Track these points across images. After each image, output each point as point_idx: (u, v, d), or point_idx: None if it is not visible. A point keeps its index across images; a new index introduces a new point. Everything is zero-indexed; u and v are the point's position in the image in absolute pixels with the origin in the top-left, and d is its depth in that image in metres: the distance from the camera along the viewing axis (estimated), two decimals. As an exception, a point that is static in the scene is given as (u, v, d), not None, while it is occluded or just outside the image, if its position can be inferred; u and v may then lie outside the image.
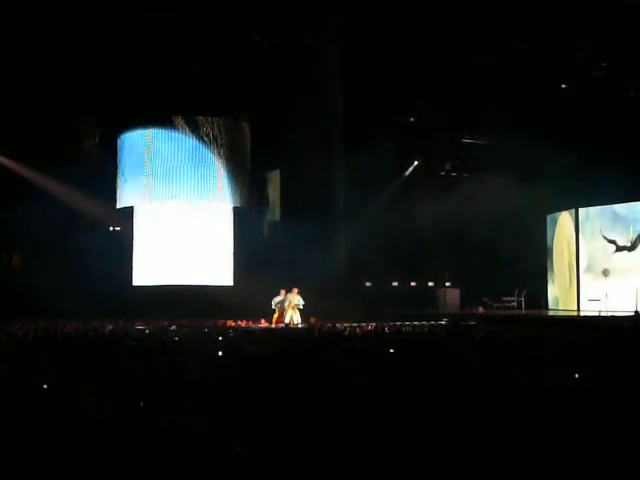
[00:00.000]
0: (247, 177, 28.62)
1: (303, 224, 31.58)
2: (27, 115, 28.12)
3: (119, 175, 28.22)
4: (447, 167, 35.99)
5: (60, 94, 27.66)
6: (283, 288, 26.74)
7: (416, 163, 35.27)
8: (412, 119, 33.30)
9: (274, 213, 35.28)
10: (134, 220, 28.45)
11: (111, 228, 29.94)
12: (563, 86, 30.37)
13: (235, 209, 28.71)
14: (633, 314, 27.04)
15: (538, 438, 6.25)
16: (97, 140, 30.18)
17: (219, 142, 27.78)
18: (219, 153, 27.82)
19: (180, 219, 27.75)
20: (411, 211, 33.09)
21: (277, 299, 26.53)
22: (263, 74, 29.01)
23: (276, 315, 26.31)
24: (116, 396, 7.52)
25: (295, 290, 26.68)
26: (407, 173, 35.16)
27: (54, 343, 14.49)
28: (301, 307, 26.35)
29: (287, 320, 26.03)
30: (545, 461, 5.72)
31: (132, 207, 28.48)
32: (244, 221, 28.97)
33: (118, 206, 28.70)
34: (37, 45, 25.77)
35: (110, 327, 20.85)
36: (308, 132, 31.03)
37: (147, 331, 19.83)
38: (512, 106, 29.52)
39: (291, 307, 26.29)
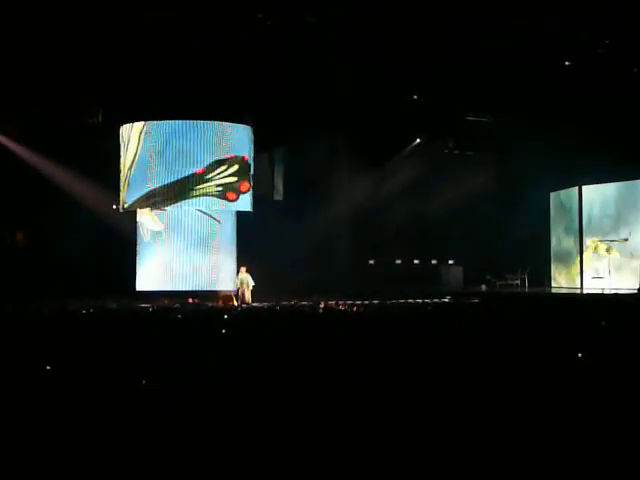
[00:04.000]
0: (249, 181, 28.26)
1: (306, 203, 31.58)
2: (27, 94, 28.07)
3: (122, 177, 27.92)
4: (450, 145, 35.89)
5: (62, 77, 27.63)
6: (243, 265, 26.70)
7: (418, 140, 35.17)
8: (415, 97, 33.16)
9: (277, 193, 35.20)
10: (137, 225, 28.17)
11: (114, 206, 29.87)
12: (567, 63, 30.23)
13: (238, 213, 28.41)
14: (636, 291, 27.08)
15: (540, 416, 6.27)
16: (100, 119, 30.07)
17: (221, 146, 27.41)
18: (221, 157, 27.43)
19: (183, 223, 27.41)
20: (415, 189, 33.06)
21: (241, 277, 26.40)
22: (265, 54, 28.89)
23: (241, 293, 26.09)
24: (119, 374, 7.56)
25: (243, 268, 26.61)
26: (408, 150, 35.02)
27: (58, 321, 14.53)
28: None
29: (247, 298, 25.86)
30: (547, 439, 5.75)
31: (135, 212, 28.18)
32: (247, 225, 28.63)
33: (121, 210, 28.45)
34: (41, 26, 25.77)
35: (114, 305, 20.92)
36: (311, 111, 30.95)
37: (150, 309, 19.88)
38: (516, 84, 29.41)
39: (246, 285, 26.20)
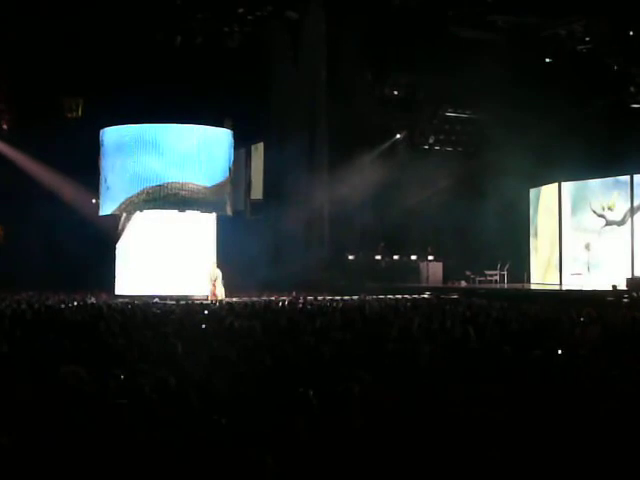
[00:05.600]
0: (230, 185, 28.12)
1: (286, 200, 31.47)
2: (8, 86, 27.96)
3: (101, 182, 27.72)
4: (430, 141, 35.98)
5: (41, 69, 27.55)
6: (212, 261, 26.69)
7: (398, 136, 35.22)
8: (396, 92, 33.22)
9: (256, 191, 35.08)
10: (118, 229, 27.96)
11: (93, 200, 29.72)
12: (547, 60, 30.35)
13: (219, 217, 28.27)
14: (611, 288, 27.17)
15: (523, 414, 6.28)
16: (80, 113, 29.97)
17: (202, 150, 27.16)
18: (202, 161, 27.22)
19: (163, 228, 27.19)
20: (394, 184, 33.05)
21: (213, 272, 26.30)
22: (246, 51, 28.91)
23: (212, 289, 25.96)
24: (97, 369, 7.51)
25: (214, 264, 26.57)
26: (387, 145, 35.04)
27: (35, 316, 14.46)
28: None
29: (219, 294, 25.71)
30: (533, 438, 5.75)
31: (114, 215, 27.98)
32: (228, 229, 28.51)
33: (101, 213, 28.23)
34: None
35: (92, 299, 20.83)
36: (291, 106, 30.95)
37: (130, 305, 19.79)
38: (496, 80, 29.50)
39: (218, 280, 26.10)
